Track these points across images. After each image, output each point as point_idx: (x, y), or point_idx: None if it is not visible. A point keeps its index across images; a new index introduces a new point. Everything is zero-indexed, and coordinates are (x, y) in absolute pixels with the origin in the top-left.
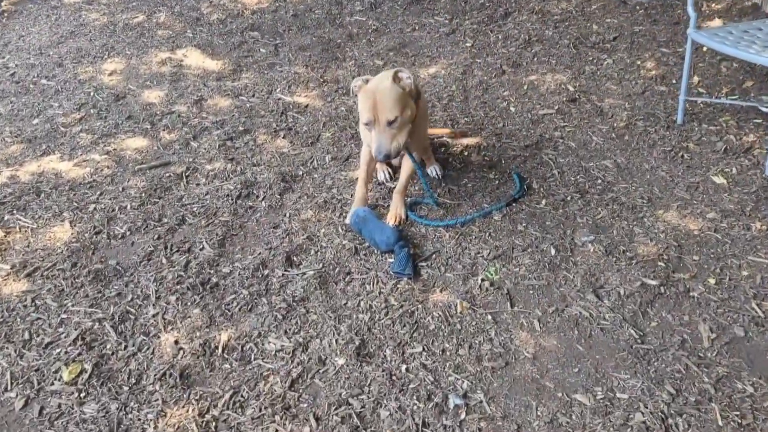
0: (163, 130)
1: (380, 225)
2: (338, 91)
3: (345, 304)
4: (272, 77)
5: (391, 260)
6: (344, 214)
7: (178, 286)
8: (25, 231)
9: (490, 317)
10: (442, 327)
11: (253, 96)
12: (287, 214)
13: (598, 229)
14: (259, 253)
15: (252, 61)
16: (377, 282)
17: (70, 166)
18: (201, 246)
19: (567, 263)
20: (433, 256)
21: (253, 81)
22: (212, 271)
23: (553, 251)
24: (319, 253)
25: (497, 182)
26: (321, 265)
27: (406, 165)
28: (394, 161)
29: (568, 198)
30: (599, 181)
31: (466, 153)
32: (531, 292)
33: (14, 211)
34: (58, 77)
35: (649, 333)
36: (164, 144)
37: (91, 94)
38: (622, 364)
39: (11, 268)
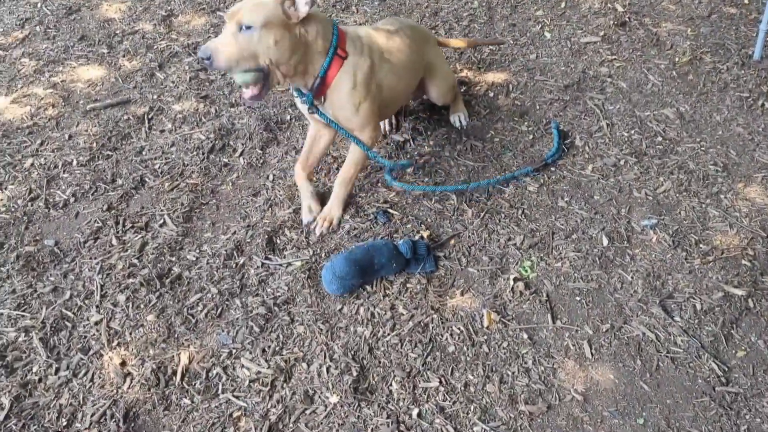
0: (124, 56)
1: (369, 251)
2: (336, 4)
3: (340, 311)
4: None
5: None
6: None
7: (130, 280)
8: None
9: (525, 336)
10: (464, 349)
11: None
12: (270, 177)
13: (660, 209)
14: (234, 233)
15: None
16: (381, 280)
17: (6, 103)
18: (161, 221)
19: (623, 257)
20: (452, 242)
21: None
22: (174, 259)
23: (605, 240)
24: (308, 233)
25: (531, 136)
26: (311, 251)
27: (353, 150)
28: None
29: (621, 162)
30: (659, 138)
31: (491, 94)
32: (578, 299)
33: None
34: None
35: (735, 367)
36: (123, 75)
37: (38, 5)
38: (702, 415)
39: None
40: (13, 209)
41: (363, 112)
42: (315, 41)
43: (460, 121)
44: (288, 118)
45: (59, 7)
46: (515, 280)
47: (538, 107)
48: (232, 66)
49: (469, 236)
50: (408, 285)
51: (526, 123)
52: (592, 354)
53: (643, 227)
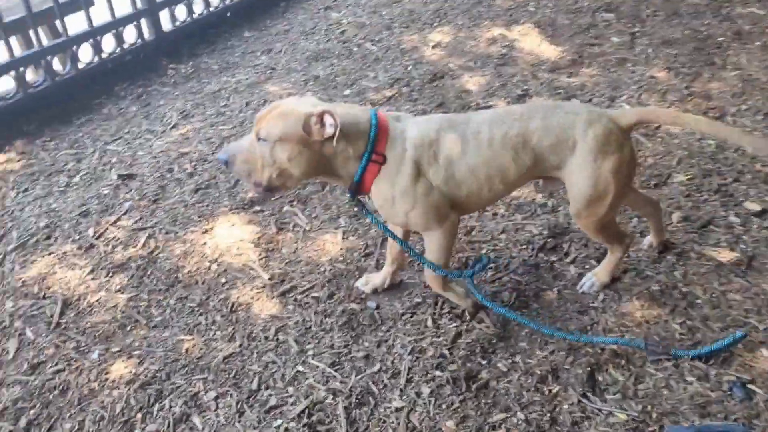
0: None
1: None
2: (708, 112)
3: None
4: (619, 78)
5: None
6: None
7: (437, 372)
8: (297, 231)
9: None
10: None
11: (590, 99)
12: (601, 297)
13: None
14: (552, 353)
15: (598, 53)
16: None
17: None
18: (479, 317)
19: None
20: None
21: (593, 80)
22: (484, 362)
23: None
24: (638, 380)
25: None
26: (640, 406)
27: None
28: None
29: None
30: None
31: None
32: None
33: (294, 203)
34: (382, 42)
35: None
36: None
37: (409, 68)
38: None
39: (269, 280)
40: (348, 259)
41: (415, 219)
42: (344, 150)
43: (589, 286)
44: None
45: (426, 72)
46: None
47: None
48: (243, 177)
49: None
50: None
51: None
52: None
53: None
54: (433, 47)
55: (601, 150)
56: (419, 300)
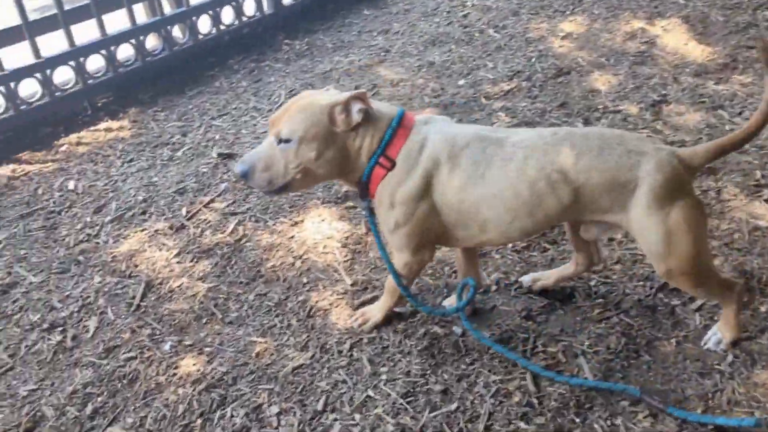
0: None
1: None
2: None
3: None
4: None
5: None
6: None
7: (522, 425)
8: None
9: None
10: None
11: (740, 113)
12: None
13: None
14: None
15: (756, 57)
16: None
17: None
18: None
19: None
20: None
21: (747, 89)
22: (578, 420)
23: None
24: None
25: None
26: None
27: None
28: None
29: None
30: None
31: None
32: None
33: None
34: (507, 29)
35: None
36: None
37: (532, 60)
38: None
39: (351, 286)
40: (438, 274)
41: (398, 237)
42: (362, 144)
43: (716, 342)
44: None
45: (551, 66)
46: None
47: None
48: (264, 188)
49: None
50: None
51: None
52: None
53: None
54: (563, 38)
55: (671, 196)
56: (511, 332)
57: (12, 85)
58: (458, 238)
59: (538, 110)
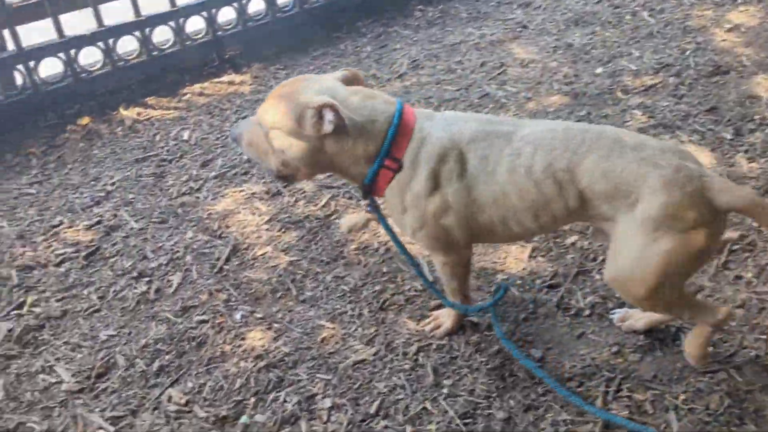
0: (745, 151)
1: None
2: None
3: None
4: None
5: None
6: None
7: None
8: None
9: None
10: None
11: None
12: None
13: None
14: None
15: None
16: None
17: None
18: None
19: None
20: None
21: None
22: None
23: None
24: None
25: None
26: None
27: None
28: None
29: None
30: None
31: None
32: None
33: None
34: (663, 14)
35: None
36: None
37: (686, 53)
38: None
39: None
40: (528, 287)
41: (421, 240)
42: (352, 148)
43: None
44: None
45: (707, 62)
46: None
47: None
48: (253, 160)
49: None
50: None
51: None
52: None
53: None
54: (728, 30)
55: (667, 223)
56: (596, 367)
57: (147, 30)
58: (494, 234)
59: (681, 113)
